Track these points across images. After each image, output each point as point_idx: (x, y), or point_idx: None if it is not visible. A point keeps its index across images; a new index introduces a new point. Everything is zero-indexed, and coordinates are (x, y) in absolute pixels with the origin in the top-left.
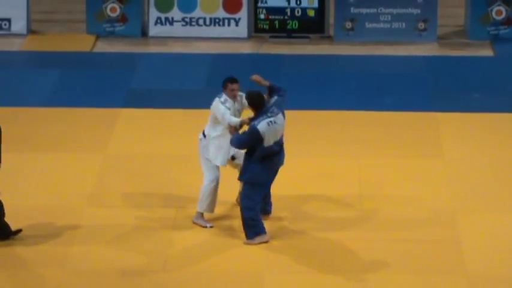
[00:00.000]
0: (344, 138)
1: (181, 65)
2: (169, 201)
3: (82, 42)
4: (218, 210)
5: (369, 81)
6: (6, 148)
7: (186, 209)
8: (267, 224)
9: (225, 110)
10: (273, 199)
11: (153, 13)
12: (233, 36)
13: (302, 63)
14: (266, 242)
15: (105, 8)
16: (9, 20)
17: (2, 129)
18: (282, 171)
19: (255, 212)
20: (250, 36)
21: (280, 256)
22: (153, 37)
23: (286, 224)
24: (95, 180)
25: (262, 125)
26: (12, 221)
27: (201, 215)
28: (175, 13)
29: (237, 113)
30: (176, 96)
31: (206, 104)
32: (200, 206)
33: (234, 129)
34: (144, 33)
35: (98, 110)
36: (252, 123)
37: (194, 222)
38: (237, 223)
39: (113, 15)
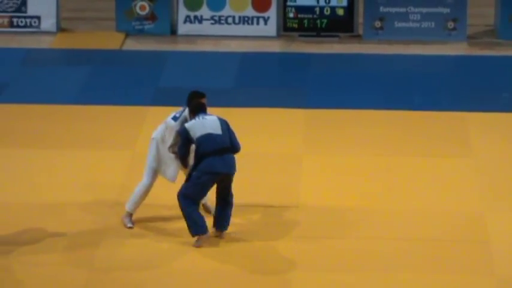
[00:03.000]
0: (372, 137)
1: (210, 64)
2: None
3: (111, 40)
4: (239, 213)
5: (397, 81)
6: (36, 145)
7: (212, 206)
8: (294, 217)
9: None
10: (300, 195)
11: (182, 11)
12: (262, 35)
13: (331, 62)
14: (197, 246)
15: (135, 6)
16: (39, 18)
17: (32, 127)
18: (306, 169)
19: (194, 208)
20: (279, 35)
21: (307, 255)
22: (182, 35)
23: (312, 222)
24: (124, 177)
25: (188, 123)
26: (44, 217)
27: (130, 215)
28: (205, 11)
29: None
30: None
31: (234, 103)
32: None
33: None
34: (173, 31)
35: (126, 108)
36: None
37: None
38: (258, 224)
39: (142, 13)
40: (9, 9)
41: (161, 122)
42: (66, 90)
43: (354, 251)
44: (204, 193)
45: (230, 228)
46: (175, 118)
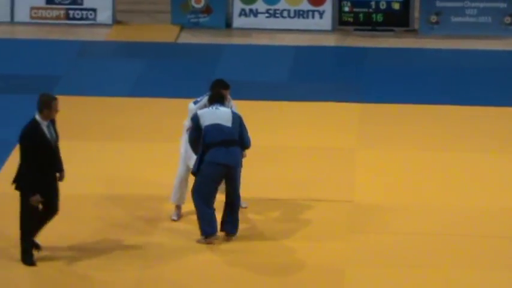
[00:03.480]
0: (426, 132)
1: (265, 57)
2: (251, 192)
3: (166, 33)
4: (292, 207)
5: (453, 76)
6: (90, 137)
7: (267, 201)
8: (346, 212)
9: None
10: (353, 190)
11: (238, 5)
12: (317, 29)
13: (386, 56)
14: (208, 243)
15: None
16: (95, 10)
17: (86, 119)
18: (359, 164)
19: (205, 205)
20: (334, 29)
21: (359, 250)
22: (237, 28)
23: (365, 217)
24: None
25: (201, 110)
26: (96, 208)
27: (177, 207)
28: (260, 5)
29: None
30: (259, 88)
31: (289, 97)
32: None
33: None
34: (228, 24)
35: (180, 101)
36: None
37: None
38: (310, 219)
39: (198, 6)
40: (66, 2)
41: None
42: (121, 83)
43: (407, 247)
44: (212, 187)
45: (284, 222)
46: (195, 102)
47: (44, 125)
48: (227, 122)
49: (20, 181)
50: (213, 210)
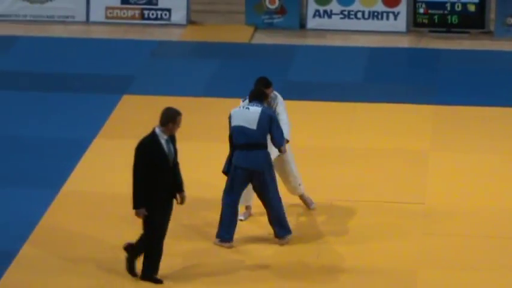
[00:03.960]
0: (502, 135)
1: (339, 58)
2: (324, 193)
3: (240, 33)
4: (364, 208)
5: None
6: None
7: (340, 203)
8: (420, 214)
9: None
10: (426, 192)
11: (312, 6)
12: (391, 30)
13: (461, 58)
14: (227, 247)
15: (265, 0)
16: (169, 10)
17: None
18: (433, 166)
19: (229, 210)
20: (408, 31)
21: (432, 252)
22: (311, 29)
23: (439, 219)
24: None
25: (234, 109)
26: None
27: (301, 196)
28: (334, 6)
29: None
30: (333, 89)
31: (363, 97)
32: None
33: None
34: (302, 25)
35: None
36: None
37: None
38: (383, 221)
39: (272, 7)
40: (141, 2)
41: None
42: (195, 83)
43: (479, 249)
44: (236, 189)
45: (356, 224)
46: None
47: (164, 138)
48: (252, 124)
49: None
50: (236, 216)
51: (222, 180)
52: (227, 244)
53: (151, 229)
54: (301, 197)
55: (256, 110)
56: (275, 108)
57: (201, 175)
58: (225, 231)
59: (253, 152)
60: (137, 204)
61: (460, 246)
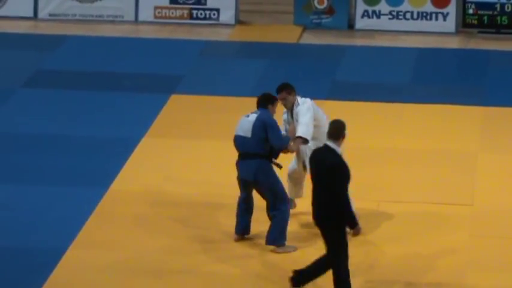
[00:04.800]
0: None
1: (387, 59)
2: (372, 194)
3: (289, 34)
4: (411, 210)
5: None
6: (211, 136)
7: (388, 204)
8: (467, 216)
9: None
10: (475, 194)
11: (361, 6)
12: (440, 31)
13: (510, 59)
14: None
15: (313, 0)
16: (218, 10)
17: (207, 119)
18: (481, 167)
19: (238, 209)
20: (457, 31)
21: (480, 254)
22: (359, 30)
23: (487, 221)
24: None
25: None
26: (212, 208)
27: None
28: (383, 6)
29: (291, 120)
30: (381, 90)
31: (411, 98)
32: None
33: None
34: (350, 25)
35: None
36: None
37: None
38: (430, 222)
39: (320, 7)
40: (189, 1)
41: (337, 116)
42: (243, 83)
43: None
44: (244, 193)
45: (404, 225)
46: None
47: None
48: (247, 132)
49: (335, 213)
50: (245, 212)
51: None
52: (235, 236)
53: (344, 247)
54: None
55: (252, 118)
56: (297, 112)
57: None
58: (236, 226)
59: (247, 161)
60: (356, 221)
61: (508, 248)
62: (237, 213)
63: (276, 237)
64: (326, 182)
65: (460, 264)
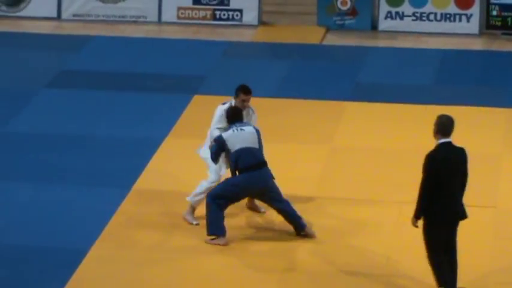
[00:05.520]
0: None
1: (410, 60)
2: (395, 196)
3: (312, 35)
4: None
5: None
6: None
7: (411, 205)
8: (491, 218)
9: (217, 121)
10: (498, 196)
11: (384, 7)
12: (464, 32)
13: None
14: (221, 244)
15: (336, 1)
16: (241, 11)
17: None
18: (505, 169)
19: (216, 209)
20: (481, 33)
21: (505, 257)
22: (382, 31)
23: (511, 223)
24: (320, 171)
25: (226, 133)
26: (240, 210)
27: (193, 210)
28: (406, 8)
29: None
30: (404, 91)
31: (434, 100)
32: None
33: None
34: (373, 27)
35: (325, 103)
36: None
37: (184, 218)
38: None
39: (344, 8)
40: (213, 2)
41: (359, 117)
42: (266, 84)
43: None
44: (235, 201)
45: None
46: (224, 103)
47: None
48: (254, 143)
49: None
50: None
51: (293, 178)
52: (222, 238)
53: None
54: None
55: (251, 130)
56: (251, 117)
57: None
58: (217, 228)
59: (264, 170)
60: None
61: None
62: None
63: (300, 220)
64: (463, 178)
65: (484, 266)
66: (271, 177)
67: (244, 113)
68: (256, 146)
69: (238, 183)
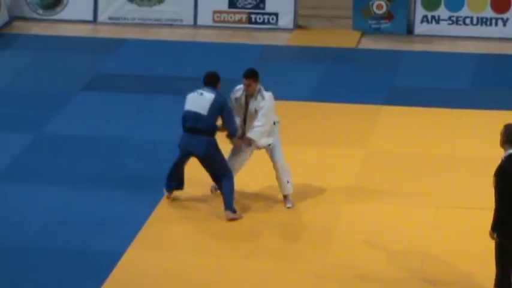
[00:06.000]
0: None
1: (446, 64)
2: (429, 200)
3: (347, 38)
4: (470, 216)
5: None
6: None
7: (446, 209)
8: None
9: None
10: None
11: (420, 11)
12: (500, 37)
13: None
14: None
15: (372, 4)
16: (276, 15)
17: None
18: None
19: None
20: None
21: None
22: (418, 35)
23: None
24: (355, 175)
25: (190, 94)
26: (274, 213)
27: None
28: (442, 11)
29: (244, 111)
30: (439, 95)
31: (470, 104)
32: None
33: None
34: (409, 30)
35: (360, 106)
36: None
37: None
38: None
39: (379, 12)
40: (248, 6)
41: (394, 121)
42: (301, 87)
43: None
44: (177, 162)
45: (461, 231)
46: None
47: None
48: (203, 110)
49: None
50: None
51: (328, 182)
52: (167, 193)
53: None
54: (286, 197)
55: (209, 96)
56: (259, 103)
57: (307, 178)
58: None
59: (196, 137)
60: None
61: None
62: (171, 174)
63: (231, 201)
64: None
65: None
66: (207, 148)
67: (252, 98)
68: (204, 113)
69: (179, 145)
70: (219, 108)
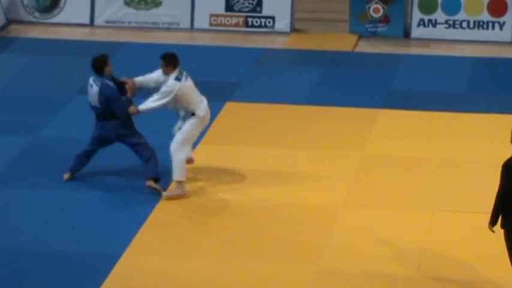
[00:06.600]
0: None
1: (443, 68)
2: (426, 203)
3: (344, 42)
4: (473, 219)
5: None
6: (264, 144)
7: (443, 213)
8: None
9: None
10: None
11: (416, 14)
12: (497, 40)
13: None
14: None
15: (369, 8)
16: (273, 18)
17: (262, 126)
18: None
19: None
20: None
21: None
22: (415, 39)
23: None
24: (352, 179)
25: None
26: (270, 216)
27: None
28: (439, 15)
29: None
30: (436, 99)
31: (467, 108)
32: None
33: None
34: (406, 34)
35: (357, 110)
36: None
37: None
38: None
39: (376, 15)
40: (245, 9)
41: (391, 125)
42: (298, 91)
43: None
44: (90, 150)
45: (466, 236)
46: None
47: None
48: (96, 102)
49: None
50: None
51: (324, 185)
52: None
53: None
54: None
55: (96, 88)
56: (164, 84)
57: (304, 182)
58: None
59: (103, 122)
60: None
61: None
62: (78, 158)
63: (157, 170)
64: None
65: None
66: (118, 128)
67: (164, 77)
68: (98, 105)
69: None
70: (105, 99)
